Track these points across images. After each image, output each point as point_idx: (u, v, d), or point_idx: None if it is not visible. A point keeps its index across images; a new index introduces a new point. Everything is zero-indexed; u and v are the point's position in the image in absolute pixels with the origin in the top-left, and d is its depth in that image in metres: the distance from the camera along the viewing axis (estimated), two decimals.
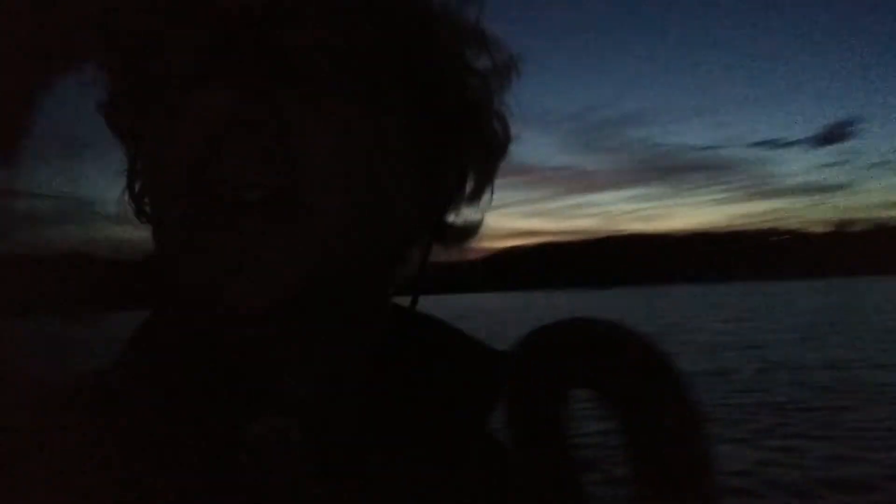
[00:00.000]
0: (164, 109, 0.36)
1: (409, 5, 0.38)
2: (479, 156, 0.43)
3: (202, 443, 0.37)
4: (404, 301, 0.46)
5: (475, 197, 0.44)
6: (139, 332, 0.42)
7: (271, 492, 0.37)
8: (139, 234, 0.40)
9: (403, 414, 0.41)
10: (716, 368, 13.43)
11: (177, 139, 0.35)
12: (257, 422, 0.37)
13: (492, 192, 0.44)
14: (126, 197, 0.42)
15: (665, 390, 0.49)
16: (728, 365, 14.21)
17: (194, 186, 0.34)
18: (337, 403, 0.40)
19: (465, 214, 0.44)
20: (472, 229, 0.45)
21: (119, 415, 0.37)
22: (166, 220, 0.37)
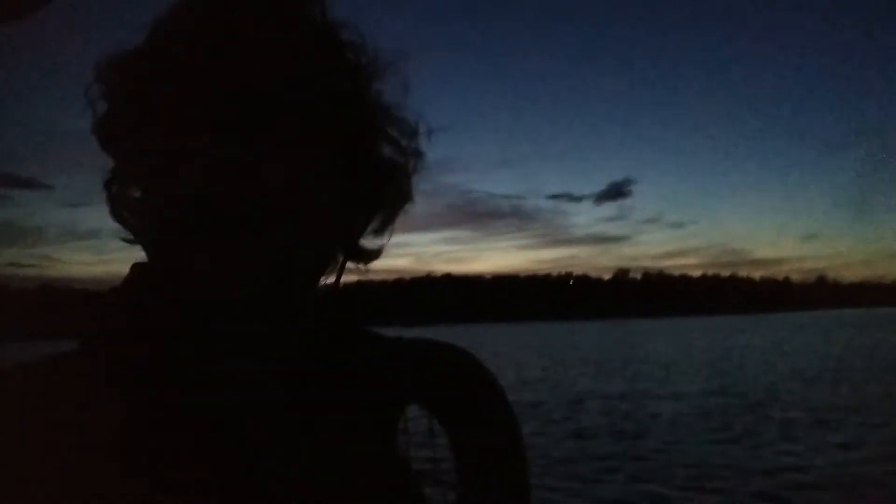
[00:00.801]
0: (174, 142, 0.45)
1: (358, 98, 0.52)
2: (390, 201, 0.57)
3: (191, 387, 0.47)
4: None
5: (381, 231, 0.58)
6: (116, 310, 0.51)
7: (248, 418, 0.48)
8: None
9: (322, 386, 0.53)
10: (527, 401, 14.46)
11: (187, 168, 0.44)
12: (235, 366, 0.49)
13: (392, 229, 0.58)
14: (108, 206, 0.51)
15: (492, 408, 0.58)
16: (538, 398, 15.35)
17: (197, 207, 0.44)
18: (285, 364, 0.52)
19: (372, 243, 0.58)
20: (376, 254, 0.59)
21: (116, 377, 0.47)
22: (168, 228, 0.46)
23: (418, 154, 0.57)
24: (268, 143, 0.45)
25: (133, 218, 0.51)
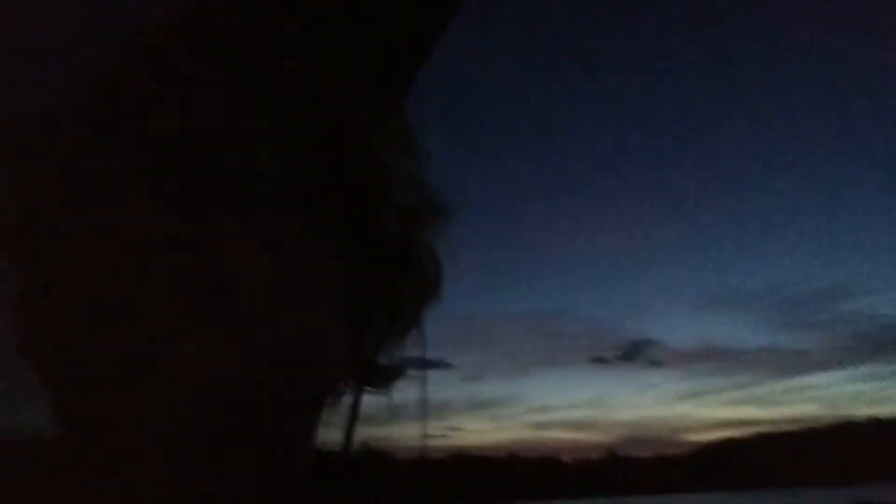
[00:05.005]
0: (82, 227, 0.33)
1: (358, 145, 0.37)
2: (411, 296, 0.42)
3: None
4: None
5: (401, 337, 0.42)
6: None
7: None
8: None
9: None
10: None
11: (101, 260, 0.32)
12: None
13: (422, 334, 0.43)
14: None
15: None
16: None
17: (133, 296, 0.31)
18: None
19: (391, 356, 0.42)
20: (397, 371, 0.43)
21: None
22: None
23: (438, 210, 0.42)
24: (229, 209, 0.33)
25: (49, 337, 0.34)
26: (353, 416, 0.41)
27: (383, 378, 0.42)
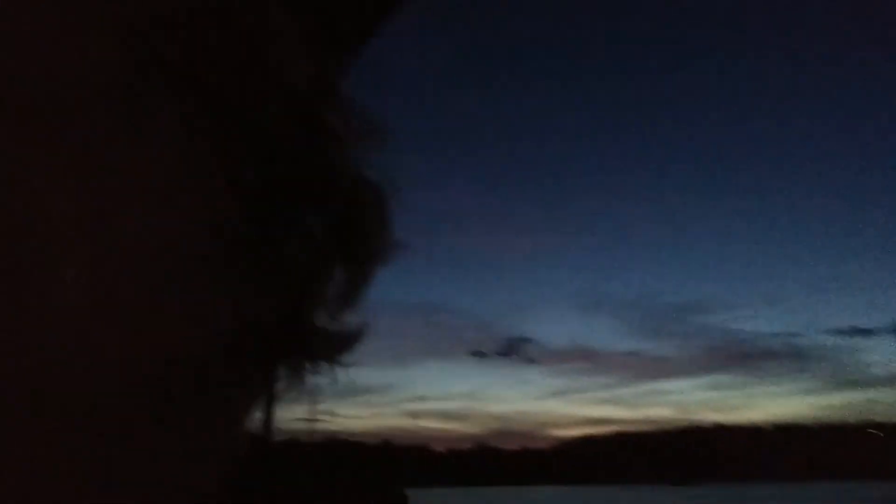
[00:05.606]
0: None
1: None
2: (337, 242, 0.30)
3: None
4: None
5: (347, 300, 0.31)
6: None
7: None
8: None
9: None
10: None
11: None
12: None
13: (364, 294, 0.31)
14: None
15: None
16: None
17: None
18: None
19: (338, 321, 0.31)
20: (345, 339, 0.31)
21: None
22: None
23: (374, 134, 0.29)
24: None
25: None
26: (268, 399, 0.31)
27: (319, 346, 0.31)
